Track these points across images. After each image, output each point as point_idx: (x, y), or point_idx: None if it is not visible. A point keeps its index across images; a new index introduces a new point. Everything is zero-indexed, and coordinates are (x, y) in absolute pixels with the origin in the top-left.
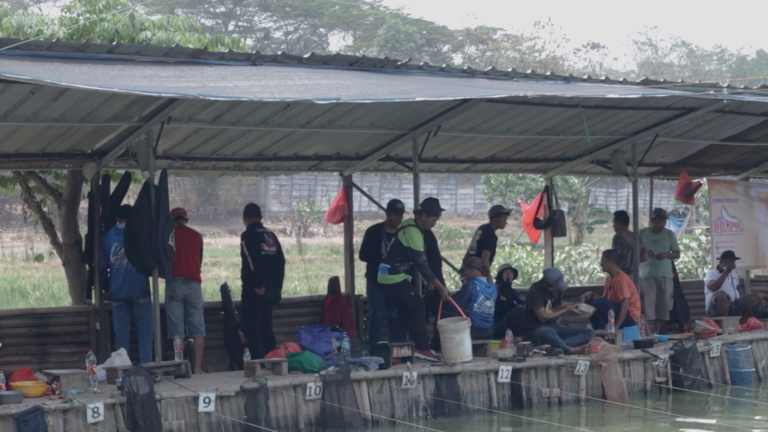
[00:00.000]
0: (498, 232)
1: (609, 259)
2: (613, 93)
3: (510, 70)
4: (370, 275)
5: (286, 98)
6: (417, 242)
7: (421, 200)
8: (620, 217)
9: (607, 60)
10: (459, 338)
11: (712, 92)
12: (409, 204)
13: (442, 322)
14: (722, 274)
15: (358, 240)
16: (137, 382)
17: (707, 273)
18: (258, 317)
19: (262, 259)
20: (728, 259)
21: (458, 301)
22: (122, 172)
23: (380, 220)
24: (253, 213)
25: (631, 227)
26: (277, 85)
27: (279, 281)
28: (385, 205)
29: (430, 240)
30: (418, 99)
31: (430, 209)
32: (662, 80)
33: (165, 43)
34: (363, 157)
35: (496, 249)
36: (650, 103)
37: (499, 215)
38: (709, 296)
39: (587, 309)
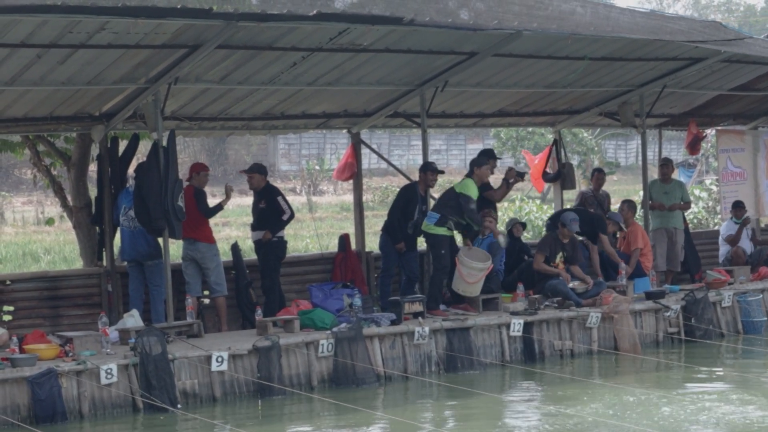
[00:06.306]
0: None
1: (629, 209)
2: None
3: (516, 23)
4: (388, 230)
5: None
6: (472, 190)
7: (429, 157)
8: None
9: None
10: (476, 275)
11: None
12: (418, 160)
13: (466, 259)
14: (738, 229)
15: (367, 197)
16: (150, 342)
17: (723, 225)
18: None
19: None
20: (738, 209)
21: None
22: (131, 133)
23: (390, 177)
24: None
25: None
26: None
27: None
28: (394, 162)
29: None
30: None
31: (478, 162)
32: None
33: None
34: (370, 114)
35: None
36: (657, 54)
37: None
38: (724, 249)
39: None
